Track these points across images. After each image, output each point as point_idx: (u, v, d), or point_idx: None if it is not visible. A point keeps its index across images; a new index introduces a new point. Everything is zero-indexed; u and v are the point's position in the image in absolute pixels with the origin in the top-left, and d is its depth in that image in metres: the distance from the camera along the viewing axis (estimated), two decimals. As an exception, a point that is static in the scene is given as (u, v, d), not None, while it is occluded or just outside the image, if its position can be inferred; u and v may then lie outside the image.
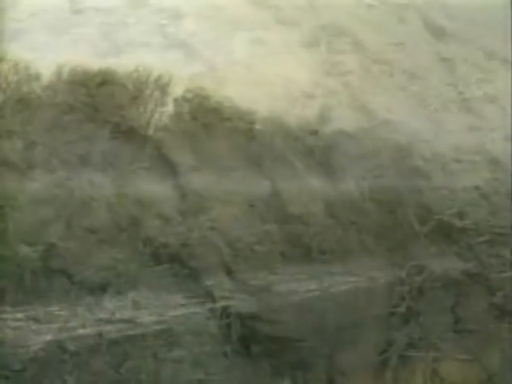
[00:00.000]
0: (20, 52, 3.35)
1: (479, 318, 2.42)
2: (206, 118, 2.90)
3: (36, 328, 2.22)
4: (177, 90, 3.02)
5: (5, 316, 2.25)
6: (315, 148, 2.80)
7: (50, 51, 3.31)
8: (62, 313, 2.25)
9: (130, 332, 2.18)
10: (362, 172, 2.72)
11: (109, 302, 2.22)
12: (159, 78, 3.11)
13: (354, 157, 2.78)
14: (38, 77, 3.17)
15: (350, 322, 2.36)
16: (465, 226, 2.54)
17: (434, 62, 3.37)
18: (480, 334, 2.40)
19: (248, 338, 2.28)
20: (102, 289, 2.26)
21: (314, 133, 2.87)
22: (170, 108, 2.94)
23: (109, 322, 2.19)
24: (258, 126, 2.85)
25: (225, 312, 2.31)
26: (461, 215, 2.56)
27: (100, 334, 2.18)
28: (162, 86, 3.04)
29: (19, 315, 2.26)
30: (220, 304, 2.32)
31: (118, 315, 2.20)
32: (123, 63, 3.23)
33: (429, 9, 3.91)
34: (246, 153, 2.78)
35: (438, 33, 3.68)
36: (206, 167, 2.72)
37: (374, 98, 3.07)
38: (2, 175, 2.72)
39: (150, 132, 2.84)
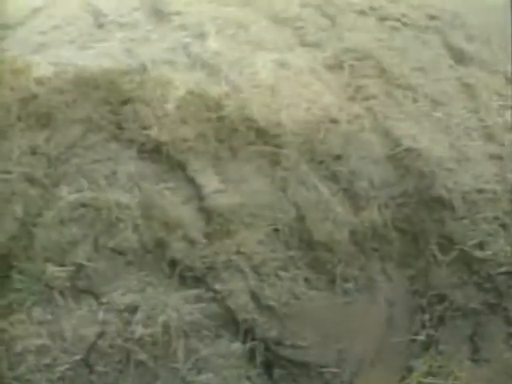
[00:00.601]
0: (43, 65, 3.50)
1: (496, 348, 2.53)
2: (230, 141, 3.03)
3: (64, 347, 2.33)
4: (200, 111, 3.15)
5: (32, 335, 2.36)
6: (339, 173, 2.94)
7: (73, 65, 3.45)
8: (89, 333, 2.36)
9: (159, 354, 2.29)
10: (385, 199, 2.85)
11: (137, 324, 2.33)
12: (182, 96, 3.24)
13: (377, 184, 2.91)
14: (60, 91, 3.31)
15: (371, 348, 2.47)
16: (485, 257, 2.67)
17: (455, 87, 3.52)
18: (497, 364, 2.51)
19: (271, 362, 2.39)
20: (130, 311, 2.39)
21: (338, 158, 3.02)
22: (193, 129, 3.07)
23: (137, 343, 2.31)
24: (282, 150, 2.98)
25: (249, 336, 2.42)
26: (481, 246, 2.70)
27: (128, 355, 2.29)
28: (186, 106, 3.17)
29: (46, 334, 2.36)
30: (244, 327, 2.43)
31: (146, 338, 2.32)
32: (147, 80, 3.38)
33: (448, 29, 4.07)
34: (271, 177, 2.92)
35: (457, 55, 3.83)
36: (231, 190, 2.85)
37: (398, 123, 3.22)
38: (27, 192, 2.84)
39: (175, 153, 2.97)
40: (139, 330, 2.31)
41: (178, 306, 2.39)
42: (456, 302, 2.57)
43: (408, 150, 3.04)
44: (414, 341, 2.49)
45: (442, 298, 2.58)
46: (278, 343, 2.41)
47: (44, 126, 3.15)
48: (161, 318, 2.33)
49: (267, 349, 2.40)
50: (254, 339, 2.40)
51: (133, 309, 2.38)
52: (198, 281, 2.55)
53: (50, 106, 3.20)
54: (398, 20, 4.03)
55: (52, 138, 3.08)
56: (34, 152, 3.02)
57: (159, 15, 3.93)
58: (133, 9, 3.94)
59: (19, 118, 3.21)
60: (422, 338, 2.49)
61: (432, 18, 4.11)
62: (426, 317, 2.55)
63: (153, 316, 2.34)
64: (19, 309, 2.43)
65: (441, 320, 2.54)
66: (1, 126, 3.17)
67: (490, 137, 3.23)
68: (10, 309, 2.44)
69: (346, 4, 4.12)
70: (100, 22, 3.83)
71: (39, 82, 3.35)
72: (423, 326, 2.53)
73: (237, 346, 2.39)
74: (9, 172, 2.91)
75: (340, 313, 2.56)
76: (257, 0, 4.12)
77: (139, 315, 2.34)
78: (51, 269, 2.53)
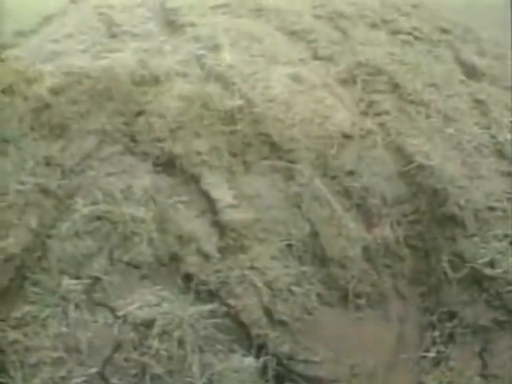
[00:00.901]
0: (56, 74, 3.56)
1: (505, 364, 2.59)
2: (244, 155, 3.11)
3: (79, 360, 2.39)
4: (214, 124, 3.22)
5: (48, 347, 2.41)
6: (352, 189, 3.01)
7: (87, 76, 3.52)
8: (105, 346, 2.42)
9: (175, 368, 2.35)
10: (397, 216, 2.92)
11: (153, 339, 2.40)
12: (195, 109, 3.31)
13: (389, 201, 2.98)
14: (74, 102, 3.37)
15: (382, 363, 2.53)
16: (495, 275, 2.73)
17: (467, 103, 3.59)
18: (505, 379, 2.57)
19: (283, 376, 2.45)
20: (146, 325, 2.45)
21: (351, 173, 3.09)
22: (207, 142, 3.14)
23: (153, 357, 2.37)
24: (296, 165, 3.05)
25: (262, 351, 2.48)
26: (492, 264, 2.76)
27: (144, 369, 2.34)
28: (199, 119, 3.24)
29: (62, 346, 2.42)
30: (257, 342, 2.49)
31: (162, 352, 2.38)
32: (160, 92, 3.45)
33: (460, 44, 4.14)
34: (285, 192, 2.99)
35: (469, 70, 3.91)
36: (245, 205, 2.91)
37: (410, 139, 3.30)
38: (41, 203, 2.90)
39: (189, 166, 3.03)
40: (155, 345, 2.38)
41: (193, 321, 2.46)
42: (466, 319, 2.63)
43: (420, 166, 3.12)
44: (424, 357, 2.54)
45: (452, 315, 2.64)
46: (291, 358, 2.47)
47: (58, 136, 3.22)
48: (176, 333, 2.39)
49: (280, 363, 2.45)
50: (266, 354, 2.46)
51: (149, 323, 2.44)
52: (212, 295, 2.61)
53: (64, 117, 3.26)
54: (409, 34, 4.11)
55: (66, 148, 3.15)
56: (48, 163, 3.08)
57: (172, 26, 4.00)
58: (146, 19, 4.01)
59: (32, 128, 3.27)
60: (432, 354, 2.54)
61: (444, 31, 4.19)
62: (437, 333, 2.60)
63: (169, 331, 2.41)
64: (34, 320, 2.48)
65: (451, 337, 2.60)
66: (14, 135, 3.24)
67: (501, 154, 3.31)
68: (23, 320, 2.49)
69: (358, 17, 4.21)
70: (113, 31, 3.89)
71: (52, 91, 3.42)
72: (434, 343, 2.58)
73: (250, 360, 2.44)
74: (22, 183, 2.97)
75: (352, 328, 2.62)
76: (269, 11, 4.20)
77: (155, 330, 2.41)
78: (67, 281, 2.58)
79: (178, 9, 4.17)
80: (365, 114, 3.41)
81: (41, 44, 3.84)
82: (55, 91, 3.41)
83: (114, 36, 3.88)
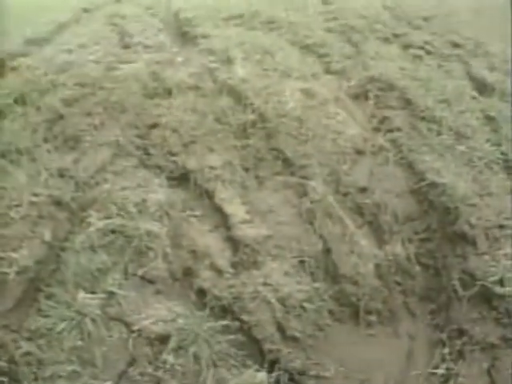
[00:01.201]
0: (69, 85, 3.63)
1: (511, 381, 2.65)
2: (257, 170, 3.17)
3: (94, 374, 2.44)
4: (227, 138, 3.29)
5: (63, 360, 2.45)
6: (364, 206, 3.08)
7: (100, 87, 3.59)
8: (120, 360, 2.48)
9: (189, 383, 2.42)
10: (408, 234, 2.99)
11: (168, 354, 2.46)
12: (208, 123, 3.38)
13: (401, 218, 3.05)
14: (88, 114, 3.44)
15: (392, 380, 2.59)
16: (505, 293, 2.79)
17: (479, 119, 3.66)
18: (512, 397, 2.64)
19: (295, 392, 2.52)
20: (161, 340, 2.51)
21: (363, 190, 3.16)
22: (220, 157, 3.20)
23: (168, 372, 2.43)
24: (309, 182, 3.12)
25: (274, 366, 2.54)
26: (502, 282, 2.82)
27: (159, 384, 2.42)
28: (212, 133, 3.31)
29: (77, 360, 2.48)
30: (269, 358, 2.56)
31: (177, 367, 2.44)
32: (173, 105, 3.52)
33: (471, 58, 4.21)
34: (298, 208, 3.06)
35: (480, 86, 3.97)
36: (258, 221, 2.98)
37: (422, 156, 3.37)
38: (54, 215, 2.97)
39: (203, 181, 3.10)
40: (170, 360, 2.44)
41: (208, 336, 2.52)
42: (475, 336, 2.67)
43: (432, 184, 3.19)
44: (433, 374, 2.59)
45: (461, 333, 2.69)
46: (303, 373, 2.52)
47: (71, 148, 3.28)
48: (192, 349, 2.46)
49: (292, 379, 2.51)
50: (279, 369, 2.51)
51: (163, 338, 2.51)
52: (225, 311, 2.68)
53: (78, 128, 3.33)
54: (421, 48, 4.17)
55: (80, 160, 3.22)
56: (61, 175, 3.14)
57: (185, 37, 4.06)
58: (158, 29, 4.06)
59: (46, 139, 3.34)
60: (441, 371, 2.59)
61: (455, 45, 4.24)
62: (446, 350, 2.65)
63: (184, 346, 2.47)
64: (49, 333, 2.54)
65: (460, 354, 2.64)
66: (27, 146, 3.30)
67: (511, 171, 3.37)
68: (37, 332, 2.55)
69: (369, 31, 4.27)
70: (126, 42, 3.95)
71: (66, 102, 3.49)
72: (443, 360, 2.63)
73: (262, 375, 2.50)
74: (36, 194, 3.03)
75: (363, 345, 2.69)
76: (282, 25, 4.27)
77: (171, 345, 2.47)
78: (82, 295, 2.64)
79: (190, 19, 4.23)
80: (377, 130, 3.47)
81: (53, 53, 3.89)
82: (68, 102, 3.48)
83: (126, 47, 3.93)
